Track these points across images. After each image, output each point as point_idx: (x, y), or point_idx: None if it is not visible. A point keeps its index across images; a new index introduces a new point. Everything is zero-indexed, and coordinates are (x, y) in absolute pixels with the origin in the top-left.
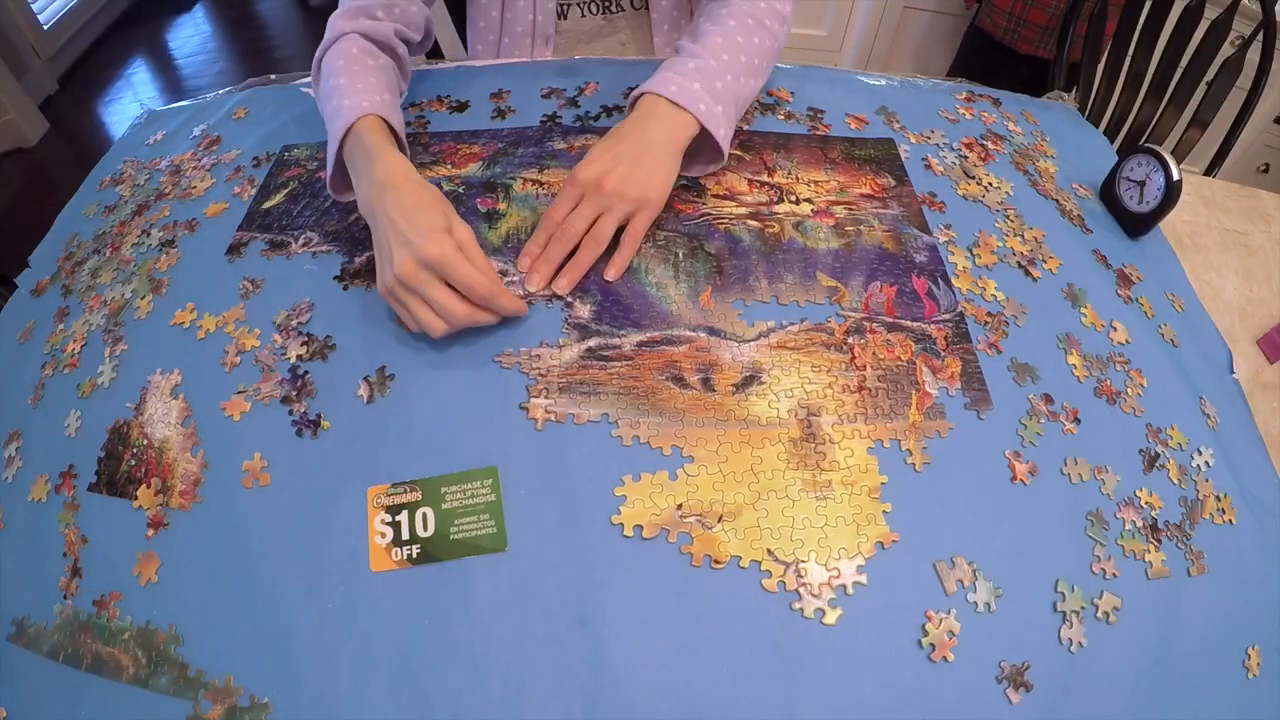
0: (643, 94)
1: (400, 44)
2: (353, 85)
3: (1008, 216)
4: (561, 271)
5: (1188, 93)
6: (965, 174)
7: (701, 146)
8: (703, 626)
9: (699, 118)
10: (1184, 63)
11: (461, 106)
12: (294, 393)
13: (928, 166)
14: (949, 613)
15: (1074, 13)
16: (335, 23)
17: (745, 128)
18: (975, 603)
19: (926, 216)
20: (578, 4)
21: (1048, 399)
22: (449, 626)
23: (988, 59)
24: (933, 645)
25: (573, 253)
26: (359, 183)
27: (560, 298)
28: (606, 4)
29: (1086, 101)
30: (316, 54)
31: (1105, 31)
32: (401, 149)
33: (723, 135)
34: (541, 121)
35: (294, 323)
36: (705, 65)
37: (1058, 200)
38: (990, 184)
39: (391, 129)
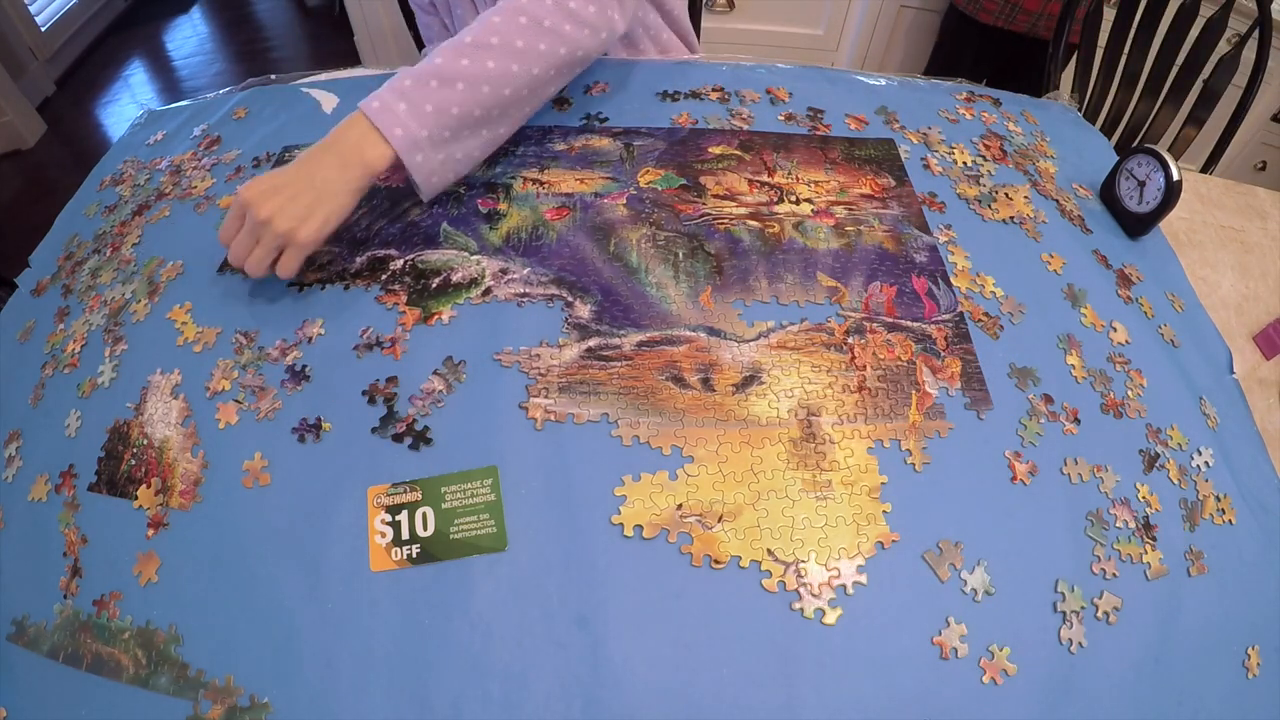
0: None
1: None
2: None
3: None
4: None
5: (1184, 90)
6: (966, 176)
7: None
8: (703, 626)
9: (395, 146)
10: (1180, 60)
11: None
12: (294, 388)
13: (927, 166)
14: (949, 614)
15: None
16: None
17: (745, 128)
18: (974, 591)
19: (926, 216)
20: None
21: (1048, 399)
22: (449, 626)
23: (963, 39)
24: (933, 646)
25: None
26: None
27: (560, 296)
28: None
29: (1083, 99)
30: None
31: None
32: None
33: (419, 162)
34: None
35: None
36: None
37: (1058, 200)
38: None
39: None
